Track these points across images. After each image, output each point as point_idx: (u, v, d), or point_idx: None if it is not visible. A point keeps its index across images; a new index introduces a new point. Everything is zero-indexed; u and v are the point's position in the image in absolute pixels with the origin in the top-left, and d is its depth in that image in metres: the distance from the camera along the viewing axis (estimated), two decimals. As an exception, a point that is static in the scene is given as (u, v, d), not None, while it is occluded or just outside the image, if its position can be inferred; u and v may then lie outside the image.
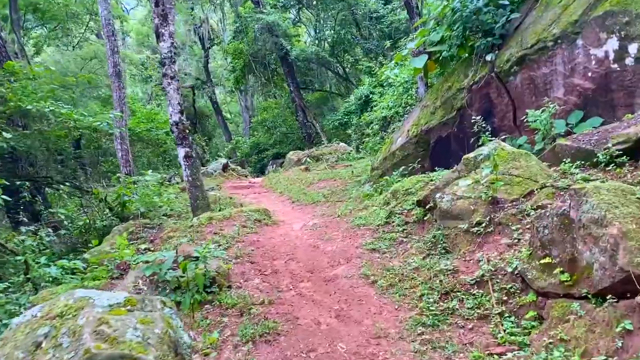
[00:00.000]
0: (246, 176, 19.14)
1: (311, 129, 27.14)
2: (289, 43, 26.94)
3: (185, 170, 9.23)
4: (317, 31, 29.01)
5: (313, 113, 26.98)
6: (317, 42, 28.95)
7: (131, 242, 7.30)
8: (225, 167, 18.11)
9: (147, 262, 4.87)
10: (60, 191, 11.57)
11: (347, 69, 29.44)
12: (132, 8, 49.04)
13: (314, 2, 28.20)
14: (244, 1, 30.19)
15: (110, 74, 13.93)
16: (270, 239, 7.26)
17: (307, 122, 26.95)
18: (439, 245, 5.55)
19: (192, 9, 36.05)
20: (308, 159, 16.10)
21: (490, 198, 5.44)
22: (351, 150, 17.51)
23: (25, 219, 10.77)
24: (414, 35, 11.87)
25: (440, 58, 9.96)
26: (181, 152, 9.18)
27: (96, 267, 6.44)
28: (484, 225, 5.29)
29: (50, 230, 9.44)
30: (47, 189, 11.98)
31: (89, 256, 6.92)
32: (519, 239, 4.91)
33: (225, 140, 39.97)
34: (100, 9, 13.41)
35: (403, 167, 9.44)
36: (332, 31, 27.77)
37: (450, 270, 4.96)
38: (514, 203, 5.37)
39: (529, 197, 5.37)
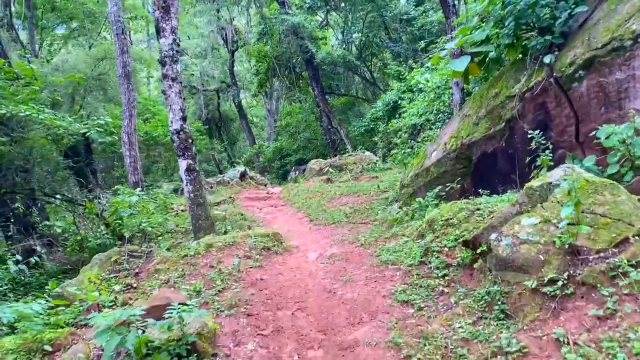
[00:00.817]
0: (265, 185, 17.90)
1: (335, 135, 25.80)
2: (314, 46, 25.68)
3: (186, 185, 8.00)
4: (345, 34, 27.65)
5: (338, 119, 25.61)
6: (344, 45, 27.59)
7: (113, 275, 6.06)
8: (242, 175, 16.91)
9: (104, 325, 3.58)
10: (53, 204, 10.52)
11: (374, 73, 27.99)
12: (160, 10, 48.70)
13: (342, 4, 26.90)
14: (270, 2, 29.07)
15: (118, 74, 12.88)
16: (278, 276, 5.92)
17: (332, 128, 25.61)
18: (496, 307, 4.10)
19: (218, 10, 35.21)
20: (330, 169, 14.75)
21: (567, 246, 3.98)
22: (377, 160, 16.09)
23: (16, 231, 9.75)
24: (453, 35, 10.41)
25: (486, 60, 8.48)
26: (183, 164, 7.95)
27: (63, 309, 5.22)
28: (560, 284, 3.83)
29: (37, 247, 8.35)
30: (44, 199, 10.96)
31: (61, 290, 5.71)
32: (616, 311, 3.45)
33: (248, 144, 39.00)
34: (110, 5, 12.35)
35: (439, 187, 7.99)
36: (360, 34, 26.37)
37: (515, 350, 3.51)
38: (602, 255, 3.89)
39: (623, 247, 3.89)
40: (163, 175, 18.93)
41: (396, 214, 7.74)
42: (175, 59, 7.74)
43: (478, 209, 5.87)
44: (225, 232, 8.27)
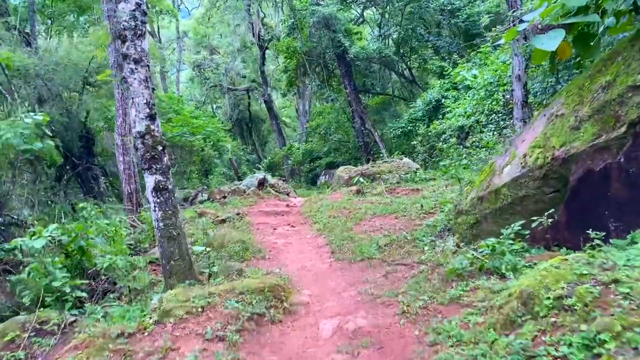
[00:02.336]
0: (287, 194, 15.48)
1: (369, 137, 23.17)
2: (347, 39, 23.13)
3: (154, 210, 5.62)
4: (382, 26, 24.93)
5: (372, 120, 22.95)
6: (380, 39, 24.89)
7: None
8: (261, 184, 14.55)
9: None
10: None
11: (413, 70, 25.15)
12: (193, 8, 47.25)
13: (379, -4, 24.22)
14: (301, -6, 26.69)
15: (111, 64, 10.77)
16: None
17: (365, 130, 23.00)
18: None
19: (249, 6, 33.14)
20: (361, 179, 12.17)
21: None
22: (417, 169, 13.41)
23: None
24: (533, 5, 7.68)
25: (587, 36, 5.77)
26: (149, 181, 5.56)
27: None
28: None
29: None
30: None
31: None
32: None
33: (278, 146, 36.83)
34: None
35: (520, 220, 5.33)
36: (399, 27, 23.60)
37: None
38: None
39: None
40: (178, 182, 16.79)
41: (455, 261, 5.11)
42: (139, 31, 5.37)
43: (616, 281, 3.23)
44: (211, 276, 5.86)
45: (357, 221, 8.92)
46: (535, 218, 5.20)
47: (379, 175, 13.12)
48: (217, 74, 41.86)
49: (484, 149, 12.24)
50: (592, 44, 5.79)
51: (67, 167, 13.98)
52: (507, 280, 4.36)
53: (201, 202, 13.74)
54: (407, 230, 7.71)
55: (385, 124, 23.59)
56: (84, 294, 5.23)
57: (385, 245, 7.09)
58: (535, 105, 11.22)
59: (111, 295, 5.63)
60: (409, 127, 20.78)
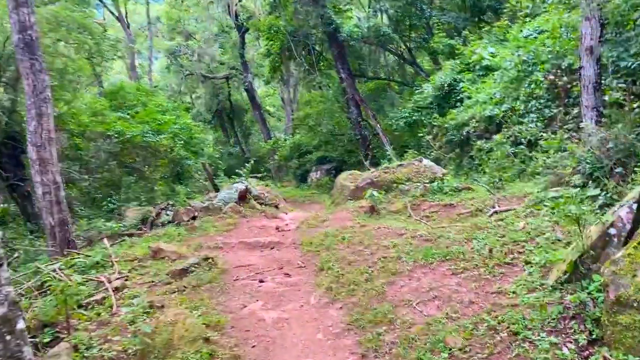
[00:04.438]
0: (277, 206, 12.12)
1: (367, 129, 19.83)
2: (339, 17, 19.67)
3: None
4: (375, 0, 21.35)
5: (372, 109, 19.54)
6: (375, 15, 21.36)
7: None
8: (243, 196, 11.18)
9: None
10: None
11: (413, 51, 21.72)
12: (166, -8, 42.92)
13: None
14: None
15: (15, 43, 7.24)
16: None
17: (362, 121, 19.64)
18: None
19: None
20: (374, 193, 8.86)
21: None
22: (444, 174, 10.12)
23: None
24: None
25: None
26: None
27: None
28: None
29: None
30: None
31: None
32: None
33: (263, 139, 33.29)
34: None
35: None
36: (395, 0, 20.06)
37: None
38: None
39: None
40: (141, 193, 13.33)
41: None
42: None
43: None
44: None
45: (389, 276, 5.62)
46: None
47: (395, 185, 9.85)
48: (193, 62, 37.97)
49: (539, 150, 9.02)
50: None
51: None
52: None
53: (163, 224, 10.32)
54: (485, 308, 4.45)
55: (383, 114, 20.22)
56: None
57: (462, 350, 3.84)
58: (617, 89, 7.91)
59: None
60: (414, 117, 17.46)
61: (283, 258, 7.44)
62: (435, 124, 13.93)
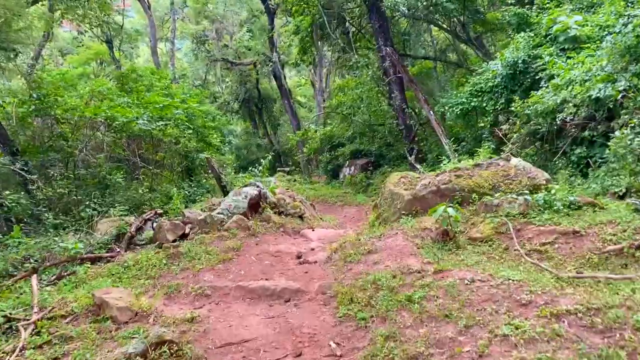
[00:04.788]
0: (301, 217, 9.04)
1: (412, 118, 16.42)
2: (381, -17, 16.30)
3: None
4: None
5: (424, 92, 16.06)
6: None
7: None
8: (255, 204, 8.14)
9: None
10: None
11: (467, 26, 18.10)
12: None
13: None
14: None
15: None
16: None
17: (407, 108, 16.24)
18: None
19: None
20: (450, 211, 5.56)
21: None
22: (547, 181, 6.72)
23: None
24: None
25: None
26: None
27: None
28: None
29: None
30: None
31: None
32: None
33: (292, 129, 30.21)
34: None
35: None
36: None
37: None
38: None
39: None
40: (134, 195, 10.50)
41: None
42: None
43: None
44: None
45: None
46: None
47: (475, 195, 6.57)
48: (220, 47, 35.25)
49: None
50: None
51: None
52: None
53: (140, 244, 7.40)
54: None
55: (435, 100, 16.72)
56: None
57: None
58: None
59: None
60: (472, 103, 14.00)
61: (303, 327, 4.33)
62: (515, 108, 10.45)
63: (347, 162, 21.97)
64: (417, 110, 17.18)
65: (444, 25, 17.87)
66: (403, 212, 7.03)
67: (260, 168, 9.48)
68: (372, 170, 20.17)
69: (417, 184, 7.30)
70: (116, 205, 9.86)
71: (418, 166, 15.78)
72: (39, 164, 11.50)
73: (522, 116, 10.39)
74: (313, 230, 8.26)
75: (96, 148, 11.90)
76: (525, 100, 10.37)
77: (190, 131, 13.31)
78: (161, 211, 8.58)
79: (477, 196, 6.68)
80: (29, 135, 12.21)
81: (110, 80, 19.08)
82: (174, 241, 7.09)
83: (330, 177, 23.34)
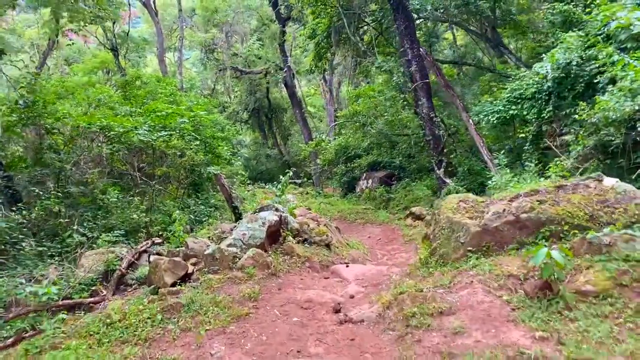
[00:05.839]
0: (328, 245, 7.36)
1: (440, 128, 14.72)
2: (406, -19, 14.72)
3: None
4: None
5: (461, 98, 14.33)
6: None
7: None
8: (274, 232, 6.48)
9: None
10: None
11: (499, 28, 16.44)
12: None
13: None
14: None
15: None
16: None
17: (435, 117, 14.55)
18: None
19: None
20: (555, 255, 3.88)
21: None
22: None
23: None
24: None
25: None
26: None
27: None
28: None
29: None
30: None
31: None
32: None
33: (304, 140, 28.59)
34: None
35: None
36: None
37: None
38: None
39: None
40: (131, 216, 8.85)
41: None
42: None
43: None
44: None
45: None
46: None
47: (568, 229, 4.88)
48: (230, 55, 33.83)
49: None
50: None
51: None
52: None
53: (133, 284, 5.76)
54: None
55: (467, 108, 14.99)
56: None
57: None
58: None
59: None
60: (511, 111, 12.32)
61: None
62: (579, 116, 8.74)
63: (364, 174, 20.30)
64: (444, 119, 15.51)
65: (472, 28, 16.23)
66: (469, 248, 5.33)
67: (279, 186, 7.80)
68: (390, 183, 18.50)
69: (484, 211, 5.60)
70: (111, 228, 8.26)
71: (448, 180, 14.07)
72: (26, 180, 9.98)
73: (587, 125, 8.68)
74: (347, 266, 6.56)
75: (92, 162, 10.36)
76: (592, 107, 8.67)
77: (197, 142, 11.72)
78: (159, 240, 6.93)
79: (568, 229, 4.97)
80: (18, 147, 10.74)
81: (114, 88, 17.72)
82: (173, 284, 5.43)
83: (345, 189, 21.67)
